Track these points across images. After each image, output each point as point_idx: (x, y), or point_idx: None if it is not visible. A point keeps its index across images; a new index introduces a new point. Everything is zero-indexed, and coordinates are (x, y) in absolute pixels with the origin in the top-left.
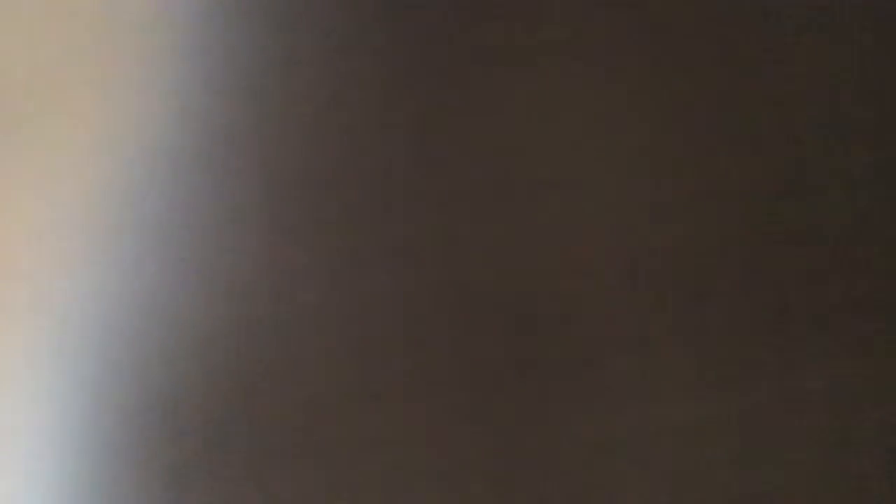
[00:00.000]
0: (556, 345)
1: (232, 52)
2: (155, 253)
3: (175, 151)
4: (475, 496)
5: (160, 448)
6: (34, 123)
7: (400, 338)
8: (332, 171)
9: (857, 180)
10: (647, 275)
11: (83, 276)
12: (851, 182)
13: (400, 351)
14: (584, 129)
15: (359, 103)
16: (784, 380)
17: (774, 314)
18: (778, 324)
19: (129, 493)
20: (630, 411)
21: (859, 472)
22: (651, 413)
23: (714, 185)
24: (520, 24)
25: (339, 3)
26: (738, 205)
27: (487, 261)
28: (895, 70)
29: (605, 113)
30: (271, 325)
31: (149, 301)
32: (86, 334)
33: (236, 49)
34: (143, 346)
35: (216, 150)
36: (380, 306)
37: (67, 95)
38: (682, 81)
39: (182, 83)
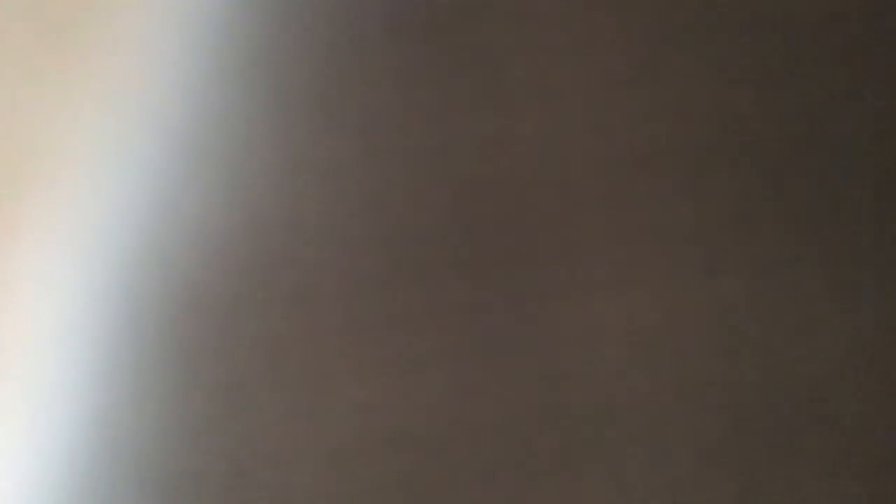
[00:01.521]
0: (540, 242)
1: None
2: (178, 162)
3: (193, 78)
4: (467, 374)
5: (182, 329)
6: (61, 40)
7: (400, 234)
8: (337, 93)
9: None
10: (624, 178)
11: (113, 183)
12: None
13: (400, 245)
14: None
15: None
16: (753, 278)
17: (745, 216)
18: (747, 225)
19: (153, 370)
20: (606, 302)
21: (826, 364)
22: (625, 306)
23: (691, 95)
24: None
25: (343, 6)
26: (714, 116)
27: (480, 167)
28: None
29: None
30: (282, 223)
31: (173, 205)
32: (116, 236)
33: None
34: (168, 245)
35: (231, 77)
36: (380, 206)
37: (99, 26)
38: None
39: (204, 18)
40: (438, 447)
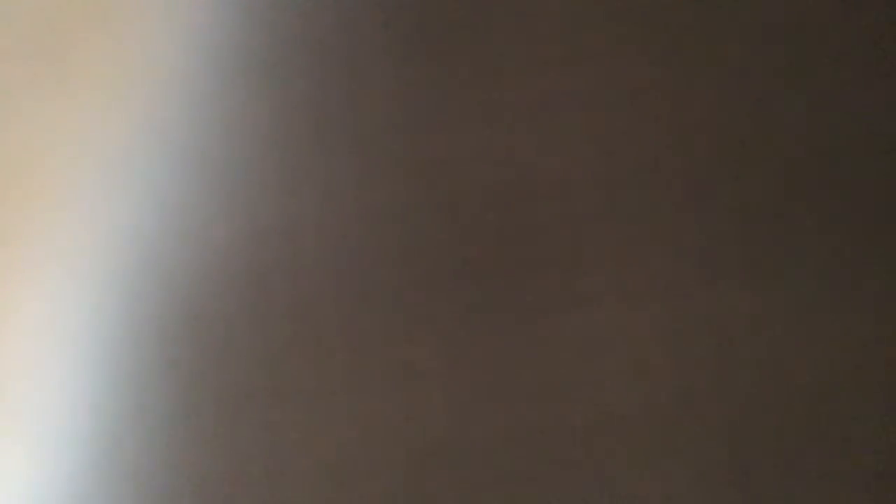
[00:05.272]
0: (540, 254)
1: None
2: (178, 175)
3: (194, 90)
4: (467, 386)
5: (182, 340)
6: (68, 61)
7: (399, 246)
8: (338, 104)
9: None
10: (624, 189)
11: (112, 196)
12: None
13: (396, 256)
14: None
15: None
16: (752, 288)
17: (744, 226)
18: (747, 235)
19: (152, 381)
20: (606, 314)
21: (826, 374)
22: (627, 313)
23: (689, 107)
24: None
25: (344, 22)
26: (712, 126)
27: (478, 176)
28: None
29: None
30: (280, 235)
31: (176, 216)
32: (116, 248)
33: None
34: (168, 257)
35: (232, 88)
36: (377, 216)
37: (101, 34)
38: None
39: (201, 27)
40: (437, 458)
